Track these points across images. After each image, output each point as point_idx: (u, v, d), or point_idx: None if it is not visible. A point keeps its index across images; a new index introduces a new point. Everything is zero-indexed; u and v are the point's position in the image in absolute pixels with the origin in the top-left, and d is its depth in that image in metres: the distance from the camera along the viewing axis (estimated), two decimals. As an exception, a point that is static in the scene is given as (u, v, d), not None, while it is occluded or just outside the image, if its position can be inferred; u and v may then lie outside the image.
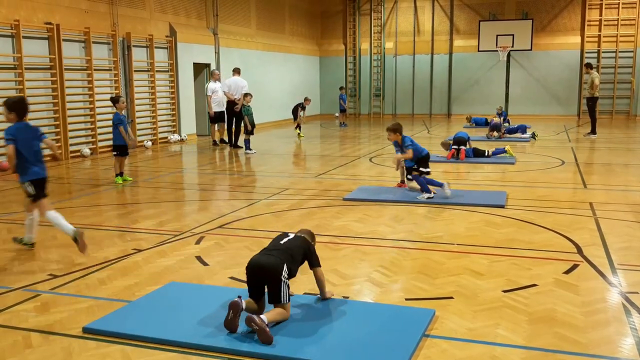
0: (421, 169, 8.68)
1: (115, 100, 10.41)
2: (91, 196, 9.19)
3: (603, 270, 5.36)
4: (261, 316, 3.93)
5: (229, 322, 3.96)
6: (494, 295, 4.77)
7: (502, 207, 7.92)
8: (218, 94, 15.78)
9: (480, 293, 4.82)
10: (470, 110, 24.17)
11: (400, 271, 5.50)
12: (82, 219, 7.58)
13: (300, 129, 18.02)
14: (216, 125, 16.10)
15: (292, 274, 4.26)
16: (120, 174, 10.16)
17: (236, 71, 15.63)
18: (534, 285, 4.98)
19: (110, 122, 14.60)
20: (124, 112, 10.45)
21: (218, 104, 15.76)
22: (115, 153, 10.23)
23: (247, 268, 4.24)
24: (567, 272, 5.32)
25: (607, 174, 10.92)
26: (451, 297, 4.72)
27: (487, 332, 4.09)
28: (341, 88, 22.61)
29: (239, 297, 4.06)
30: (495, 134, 16.42)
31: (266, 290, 4.20)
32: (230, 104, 15.27)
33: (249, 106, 14.42)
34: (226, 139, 16.12)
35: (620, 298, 4.72)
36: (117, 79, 14.59)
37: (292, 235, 4.51)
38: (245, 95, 14.61)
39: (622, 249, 6.02)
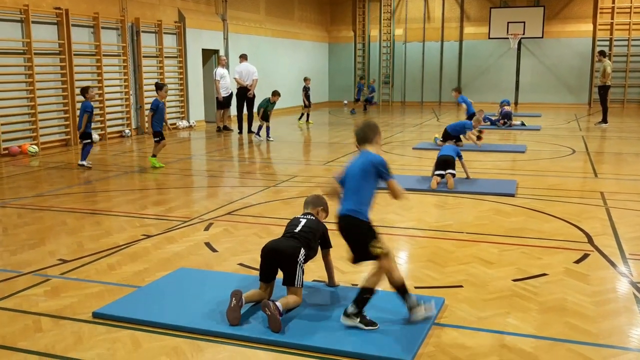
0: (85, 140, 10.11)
1: (159, 87, 10.52)
2: (100, 182, 9.21)
3: (614, 259, 5.33)
4: (277, 303, 3.92)
5: (231, 311, 3.94)
6: (503, 284, 4.75)
7: (512, 195, 7.88)
8: (226, 79, 15.77)
9: (490, 282, 4.80)
10: (480, 99, 23.98)
11: (409, 259, 5.49)
12: (91, 205, 7.60)
13: (308, 117, 17.97)
14: (222, 111, 16.09)
15: (308, 259, 4.26)
16: (153, 156, 10.31)
17: (243, 57, 15.60)
18: (544, 274, 4.95)
19: (122, 108, 14.68)
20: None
21: (225, 90, 15.75)
22: (156, 139, 10.34)
23: (263, 250, 4.24)
24: (578, 261, 5.29)
25: (618, 163, 10.84)
26: (461, 286, 4.70)
27: (497, 321, 4.07)
28: (361, 78, 22.19)
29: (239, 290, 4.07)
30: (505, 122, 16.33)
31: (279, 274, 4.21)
32: (242, 90, 15.27)
33: (273, 103, 14.26)
34: (230, 126, 16.11)
35: (631, 288, 4.69)
36: (125, 64, 14.57)
37: (304, 220, 4.48)
38: (274, 94, 14.34)
39: (633, 238, 5.98)
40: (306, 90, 18.07)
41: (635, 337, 3.86)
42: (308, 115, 18.02)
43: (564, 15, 23.44)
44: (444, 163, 8.47)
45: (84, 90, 10.41)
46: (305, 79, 18.52)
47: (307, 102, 17.94)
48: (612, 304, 4.37)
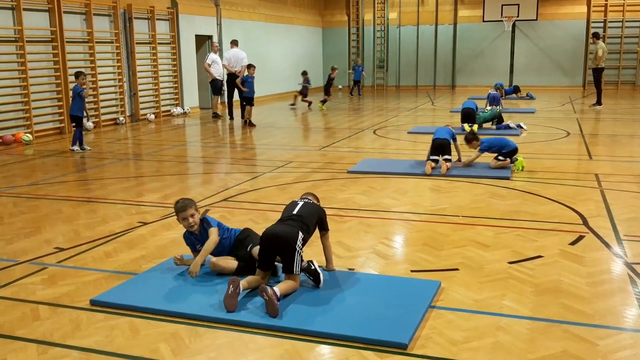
0: None
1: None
2: (95, 169, 9.19)
3: (608, 241, 5.36)
4: (274, 288, 3.94)
5: (228, 298, 3.94)
6: (499, 266, 4.78)
7: (507, 178, 7.90)
8: (218, 65, 15.69)
9: (486, 264, 4.82)
10: (474, 82, 23.99)
11: (405, 243, 5.51)
12: (86, 192, 7.59)
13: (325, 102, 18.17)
14: (218, 96, 16.01)
15: (305, 242, 4.27)
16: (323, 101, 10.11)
17: (234, 43, 15.50)
18: (540, 256, 4.98)
19: (116, 95, 14.60)
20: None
21: (216, 75, 15.66)
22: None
23: (262, 238, 4.25)
24: (573, 243, 5.32)
25: (612, 145, 10.87)
26: (457, 269, 4.73)
27: (493, 303, 4.10)
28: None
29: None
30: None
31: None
32: (231, 76, 15.19)
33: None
34: (219, 112, 16.03)
35: (626, 269, 4.72)
36: (118, 51, 14.47)
37: (302, 203, 4.50)
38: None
39: (627, 219, 6.01)
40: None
41: (629, 318, 3.90)
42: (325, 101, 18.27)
43: (558, -3, 23.35)
44: (440, 147, 8.47)
45: (77, 75, 10.69)
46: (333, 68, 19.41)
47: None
48: (607, 285, 4.40)
